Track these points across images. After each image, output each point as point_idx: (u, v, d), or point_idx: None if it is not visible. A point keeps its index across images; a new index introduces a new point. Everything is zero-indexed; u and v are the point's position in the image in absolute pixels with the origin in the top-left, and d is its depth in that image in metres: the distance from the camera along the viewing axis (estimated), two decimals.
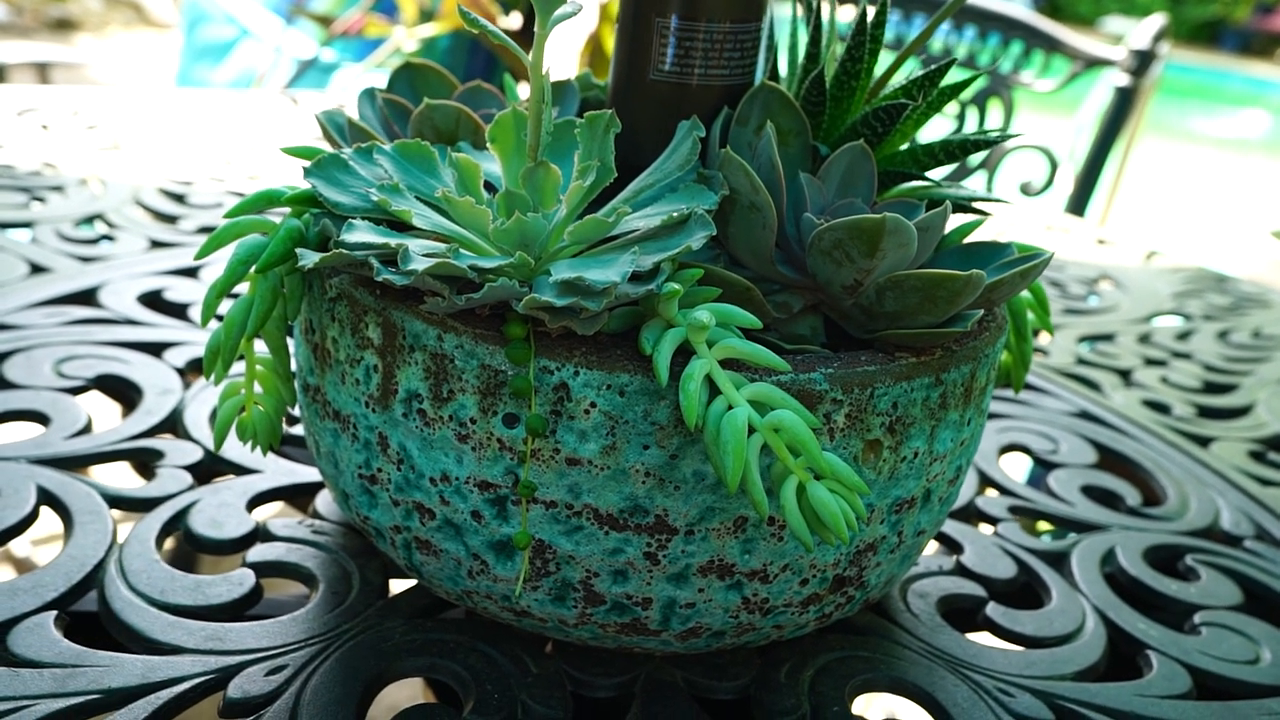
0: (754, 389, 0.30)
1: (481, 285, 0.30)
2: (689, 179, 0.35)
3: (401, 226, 0.34)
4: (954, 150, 0.40)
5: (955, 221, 0.41)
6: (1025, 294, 0.44)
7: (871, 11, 0.39)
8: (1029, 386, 0.65)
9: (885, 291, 0.33)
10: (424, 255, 0.31)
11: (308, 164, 0.35)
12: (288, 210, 0.35)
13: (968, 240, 0.40)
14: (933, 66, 0.39)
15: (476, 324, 0.32)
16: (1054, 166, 1.21)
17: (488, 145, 0.36)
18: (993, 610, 0.43)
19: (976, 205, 0.42)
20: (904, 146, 0.41)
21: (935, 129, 1.34)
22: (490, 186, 0.38)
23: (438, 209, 0.35)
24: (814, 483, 0.30)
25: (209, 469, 0.45)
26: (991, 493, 0.52)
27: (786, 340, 0.36)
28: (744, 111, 0.38)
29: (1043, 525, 0.53)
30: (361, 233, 0.32)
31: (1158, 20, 1.22)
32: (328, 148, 0.41)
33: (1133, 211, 4.02)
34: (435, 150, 0.37)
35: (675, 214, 0.33)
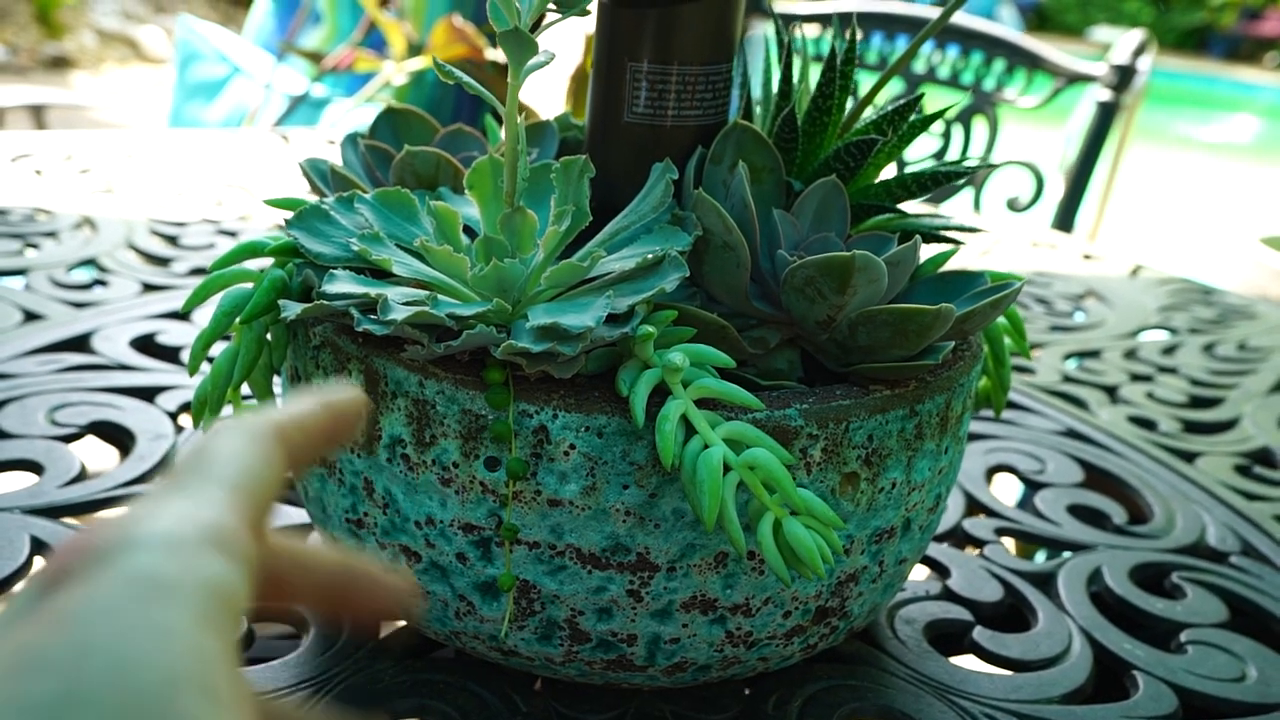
0: (729, 428, 0.31)
1: (460, 332, 0.31)
2: (663, 220, 0.36)
3: (383, 274, 0.35)
4: (926, 182, 0.41)
5: (933, 249, 0.42)
6: (1001, 320, 0.44)
7: (842, 49, 0.40)
8: (1017, 406, 0.65)
9: (858, 326, 0.34)
10: (403, 304, 0.31)
11: (289, 215, 0.35)
12: (272, 260, 0.36)
13: (943, 269, 0.41)
14: (902, 101, 0.40)
15: (457, 370, 0.32)
16: (1040, 182, 1.22)
17: (466, 191, 0.36)
18: (979, 634, 0.43)
19: (951, 234, 0.43)
20: (878, 179, 0.42)
21: (920, 148, 1.35)
22: (470, 230, 0.38)
23: (418, 256, 0.35)
24: (790, 519, 0.30)
25: None
26: (979, 515, 0.53)
27: (764, 375, 0.36)
28: (718, 150, 0.39)
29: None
30: (342, 283, 0.33)
31: (1137, 35, 1.23)
32: (312, 197, 0.42)
33: (1125, 221, 4.03)
34: (415, 197, 0.37)
35: (650, 255, 0.34)
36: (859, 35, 1.41)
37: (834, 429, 0.33)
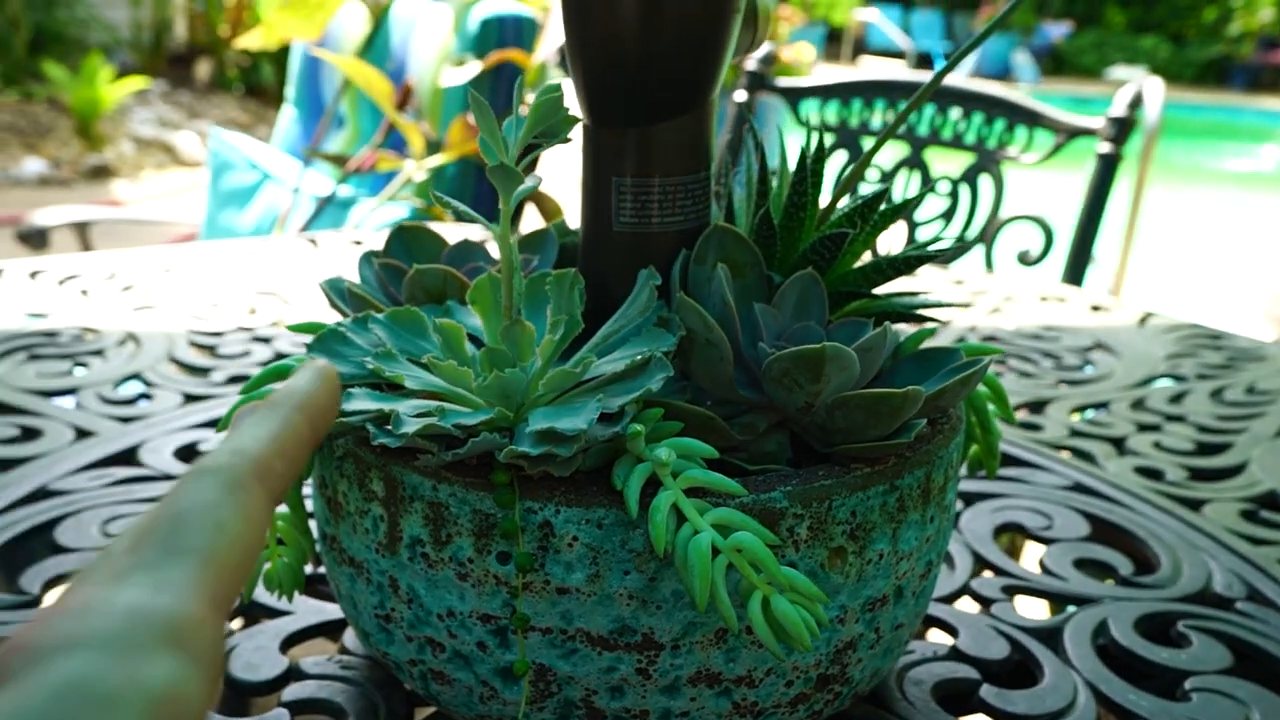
0: (716, 514, 0.33)
1: (467, 440, 0.34)
2: (650, 323, 0.39)
3: (398, 387, 0.38)
4: (900, 266, 0.44)
5: (926, 313, 0.44)
6: (983, 388, 0.47)
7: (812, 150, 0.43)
8: (1024, 463, 0.67)
9: (835, 411, 0.37)
10: (414, 416, 0.35)
11: (310, 340, 0.39)
12: None
13: (924, 346, 0.43)
14: (870, 193, 0.43)
15: (466, 473, 0.35)
16: (1049, 236, 1.24)
17: (469, 305, 0.40)
18: (986, 692, 0.45)
19: (930, 312, 0.45)
20: (857, 265, 0.45)
21: (929, 208, 1.38)
22: (476, 339, 0.42)
23: (429, 369, 0.38)
24: (777, 596, 0.32)
25: (246, 613, 0.49)
26: (987, 574, 0.55)
27: (754, 459, 0.39)
28: (701, 250, 0.42)
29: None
30: (359, 400, 0.36)
31: (1133, 88, 1.26)
32: (335, 315, 0.45)
33: (1154, 261, 4.03)
34: (425, 313, 0.41)
35: (638, 357, 0.37)
36: (866, 103, 1.45)
37: (818, 508, 0.35)
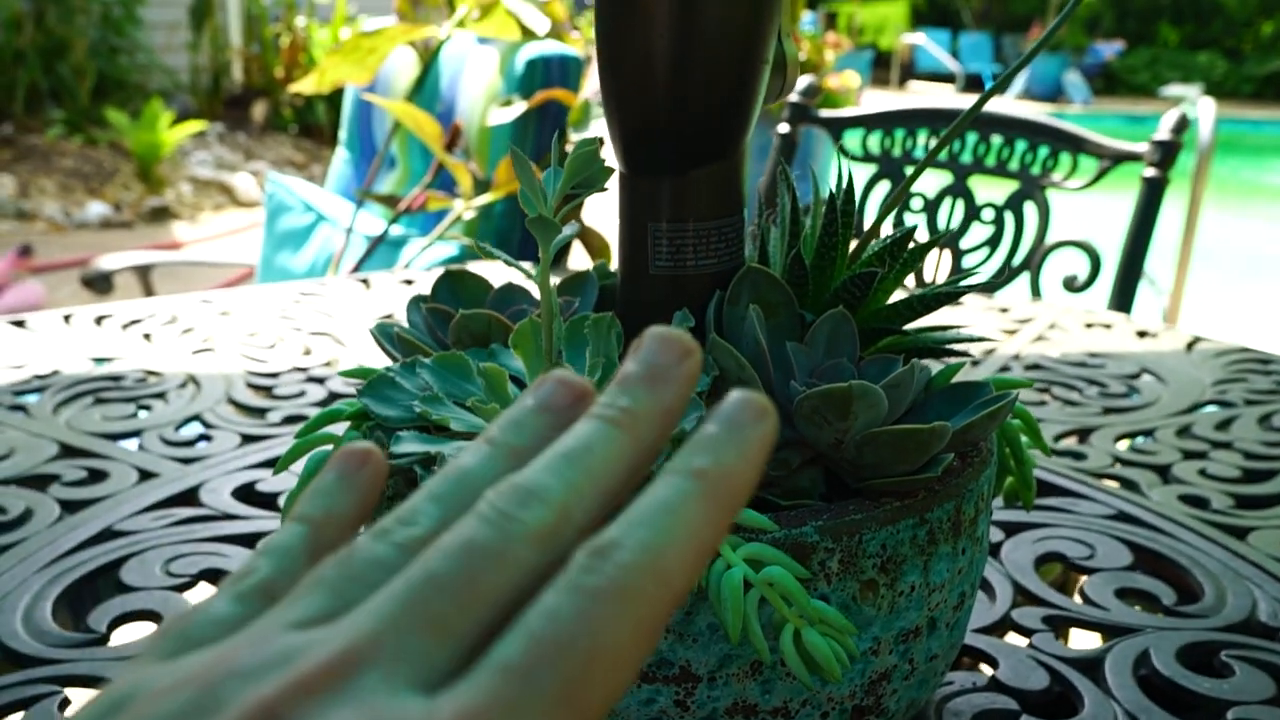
0: (748, 549, 0.34)
1: None
2: None
3: (444, 428, 0.40)
4: (929, 302, 0.45)
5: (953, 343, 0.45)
6: (1016, 420, 0.47)
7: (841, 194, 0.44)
8: (1067, 492, 0.67)
9: (864, 446, 0.38)
10: None
11: (361, 384, 0.41)
12: (349, 424, 0.41)
13: (957, 379, 0.44)
14: (897, 234, 0.44)
15: None
16: (1096, 261, 1.23)
17: (512, 349, 0.41)
18: None
19: (961, 346, 0.46)
20: (889, 301, 0.46)
21: (974, 235, 1.38)
22: (519, 381, 0.43)
23: (474, 411, 0.40)
24: (808, 628, 0.34)
25: None
26: (1027, 604, 0.55)
27: (788, 494, 0.40)
28: (735, 291, 0.44)
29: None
30: (407, 443, 0.38)
31: (1179, 111, 1.25)
32: (384, 360, 0.47)
33: (1210, 284, 3.96)
34: (470, 357, 0.43)
35: None
36: (909, 132, 1.46)
37: (848, 541, 0.36)
